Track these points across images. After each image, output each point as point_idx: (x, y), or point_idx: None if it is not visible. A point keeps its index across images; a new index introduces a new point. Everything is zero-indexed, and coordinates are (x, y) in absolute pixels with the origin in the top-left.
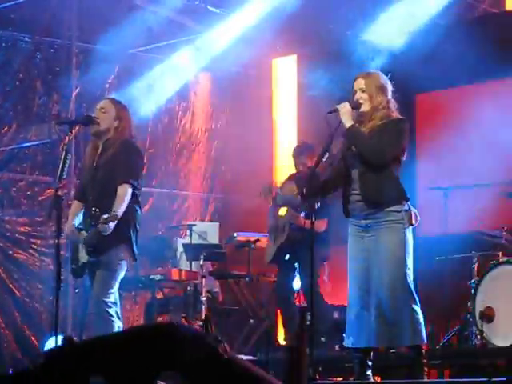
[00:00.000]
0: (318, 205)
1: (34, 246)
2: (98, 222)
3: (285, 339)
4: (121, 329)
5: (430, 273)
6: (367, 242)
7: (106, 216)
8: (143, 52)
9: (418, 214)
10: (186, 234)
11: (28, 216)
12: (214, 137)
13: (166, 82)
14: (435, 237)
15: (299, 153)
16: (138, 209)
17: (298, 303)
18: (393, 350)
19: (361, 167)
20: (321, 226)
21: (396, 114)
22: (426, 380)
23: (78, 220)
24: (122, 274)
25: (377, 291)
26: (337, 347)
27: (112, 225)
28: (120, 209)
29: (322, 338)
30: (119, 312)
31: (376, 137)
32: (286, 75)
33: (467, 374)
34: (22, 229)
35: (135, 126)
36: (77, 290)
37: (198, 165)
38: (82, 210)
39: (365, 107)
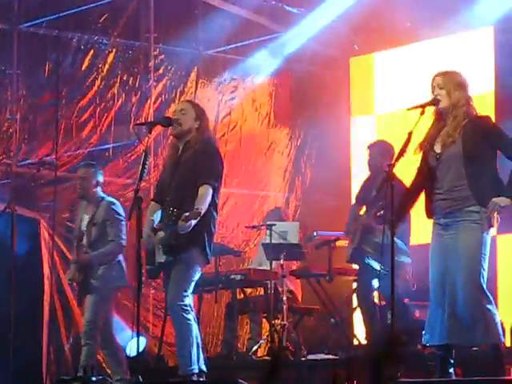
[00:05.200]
0: (381, 212)
1: None
2: (177, 221)
3: (365, 338)
4: (197, 331)
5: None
6: (446, 240)
7: (187, 214)
8: (221, 53)
9: (498, 217)
10: (265, 234)
11: None
12: (293, 137)
13: (245, 83)
14: None
15: (375, 152)
16: (214, 212)
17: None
18: (475, 348)
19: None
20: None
21: (476, 111)
22: (505, 378)
23: (155, 220)
24: (196, 276)
25: (451, 289)
26: (418, 346)
27: (193, 222)
28: (202, 206)
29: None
30: (194, 315)
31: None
32: (363, 74)
33: None
34: None
35: (215, 127)
36: (153, 291)
37: (278, 165)
38: (159, 211)
39: (443, 103)
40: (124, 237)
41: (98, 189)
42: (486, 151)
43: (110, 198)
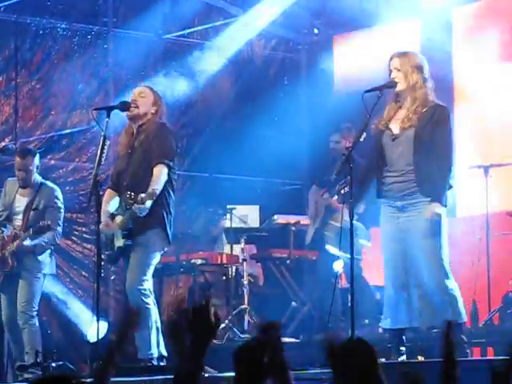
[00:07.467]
0: (346, 189)
1: (76, 233)
2: (133, 204)
3: (327, 321)
4: (157, 315)
5: (471, 252)
6: (404, 223)
7: (143, 195)
8: (180, 37)
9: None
10: (226, 218)
11: (69, 203)
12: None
13: (204, 67)
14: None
15: (337, 137)
16: (171, 192)
17: (339, 286)
18: (435, 330)
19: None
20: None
21: (433, 96)
22: (467, 359)
23: (112, 206)
24: (155, 260)
25: (415, 271)
26: (380, 329)
27: (149, 204)
28: (157, 187)
29: (366, 320)
30: (154, 299)
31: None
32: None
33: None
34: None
35: (175, 109)
36: (112, 278)
37: (238, 147)
38: (116, 198)
39: (400, 86)
40: (61, 225)
41: (36, 172)
42: (435, 140)
43: (51, 184)
